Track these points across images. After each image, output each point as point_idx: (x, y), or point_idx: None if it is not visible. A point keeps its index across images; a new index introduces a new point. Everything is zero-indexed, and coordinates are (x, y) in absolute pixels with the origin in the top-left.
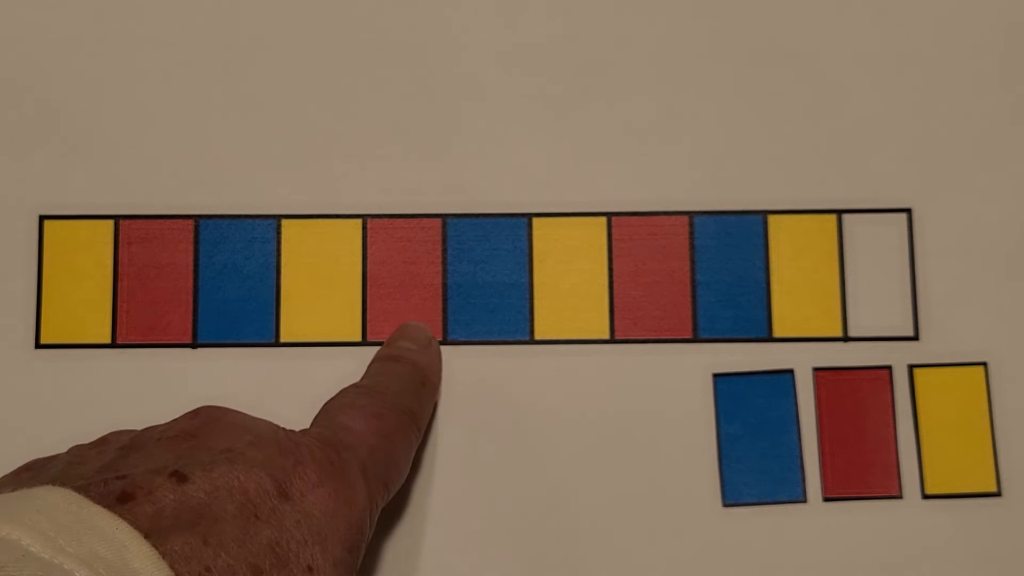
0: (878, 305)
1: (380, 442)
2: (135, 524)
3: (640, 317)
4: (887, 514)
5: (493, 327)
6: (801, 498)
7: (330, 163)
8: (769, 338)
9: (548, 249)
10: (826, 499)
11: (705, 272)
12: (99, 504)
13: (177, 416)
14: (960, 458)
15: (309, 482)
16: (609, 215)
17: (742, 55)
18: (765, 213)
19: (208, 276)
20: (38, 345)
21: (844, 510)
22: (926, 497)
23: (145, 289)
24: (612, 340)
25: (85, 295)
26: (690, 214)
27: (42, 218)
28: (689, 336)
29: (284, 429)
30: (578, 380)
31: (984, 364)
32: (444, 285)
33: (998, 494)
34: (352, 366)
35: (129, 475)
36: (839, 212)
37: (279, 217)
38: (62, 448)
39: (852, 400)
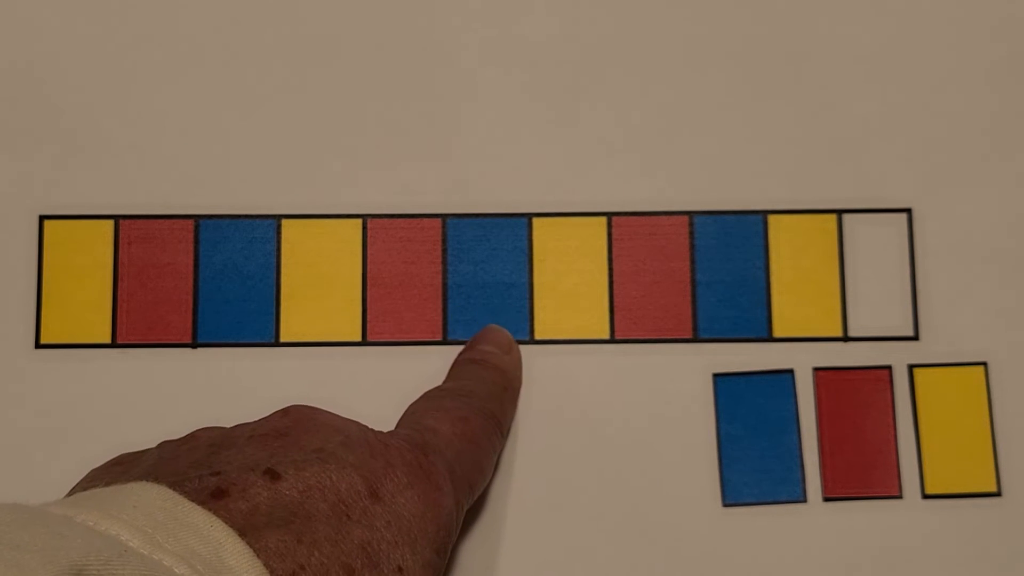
0: (878, 305)
1: (466, 445)
2: (229, 521)
3: (640, 317)
4: (887, 514)
5: None
6: (801, 498)
7: (330, 163)
8: (769, 338)
9: (548, 249)
10: (826, 499)
11: (705, 272)
12: (193, 500)
13: (261, 415)
14: (960, 458)
15: (399, 484)
16: (609, 215)
17: (742, 55)
18: (765, 213)
19: (208, 276)
20: (38, 345)
21: (844, 510)
22: (926, 497)
23: (145, 289)
24: (612, 340)
25: (85, 295)
26: (690, 214)
27: (42, 218)
28: (689, 336)
29: (373, 430)
30: (578, 380)
31: (984, 364)
32: (444, 285)
33: (998, 494)
34: (352, 366)
35: (223, 472)
36: (839, 212)
37: (279, 217)
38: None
39: (852, 400)
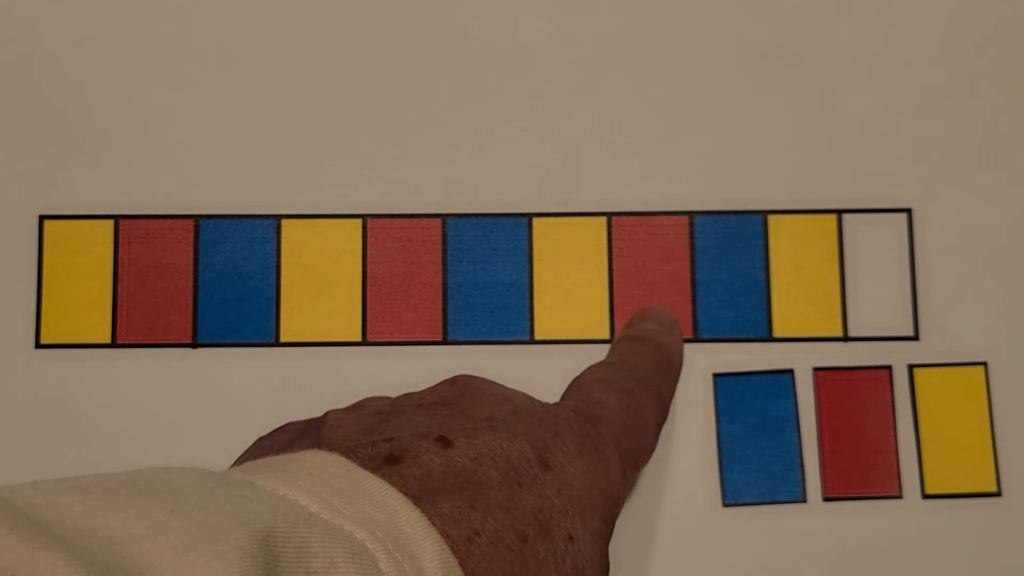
0: (878, 305)
1: (631, 418)
2: (403, 486)
3: None
4: (887, 514)
5: (493, 327)
6: (801, 498)
7: (330, 163)
8: (769, 338)
9: (548, 249)
10: (826, 499)
11: (705, 272)
12: (366, 467)
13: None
14: (960, 458)
15: (568, 453)
16: (609, 215)
17: (742, 55)
18: (765, 213)
19: (208, 276)
20: (38, 345)
21: (844, 510)
22: (926, 497)
23: (145, 289)
24: (612, 340)
25: (85, 295)
26: (690, 214)
27: (42, 218)
28: (689, 336)
29: (540, 401)
30: None
31: (984, 364)
32: (444, 285)
33: (998, 494)
34: (352, 366)
35: (396, 438)
36: (839, 212)
37: (279, 217)
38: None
39: (852, 400)
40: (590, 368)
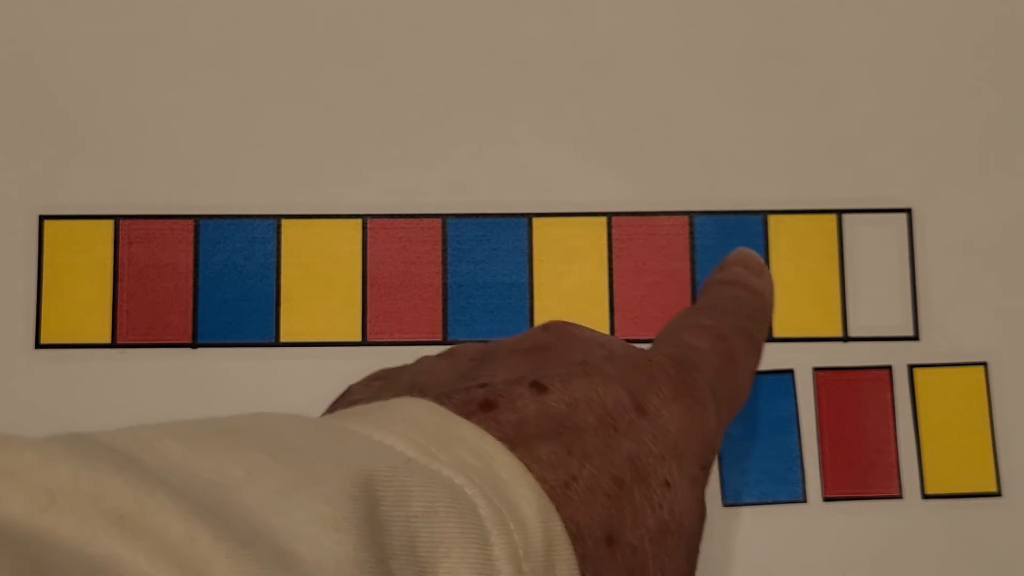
0: (878, 305)
1: (725, 363)
2: (499, 432)
3: (640, 317)
4: (887, 514)
5: (493, 327)
6: (801, 498)
7: (330, 163)
8: (769, 338)
9: (548, 249)
10: (826, 499)
11: (705, 272)
12: (461, 413)
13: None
14: (960, 458)
15: (664, 398)
16: (609, 215)
17: (742, 55)
18: (765, 213)
19: (208, 276)
20: (38, 345)
21: (844, 510)
22: (926, 497)
23: (145, 289)
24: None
25: (85, 295)
26: (690, 214)
27: (42, 218)
28: None
29: (634, 346)
30: None
31: (984, 364)
32: (444, 285)
33: (998, 494)
34: (352, 366)
35: (490, 384)
36: (839, 212)
37: (279, 217)
38: None
39: (852, 400)
40: (681, 313)
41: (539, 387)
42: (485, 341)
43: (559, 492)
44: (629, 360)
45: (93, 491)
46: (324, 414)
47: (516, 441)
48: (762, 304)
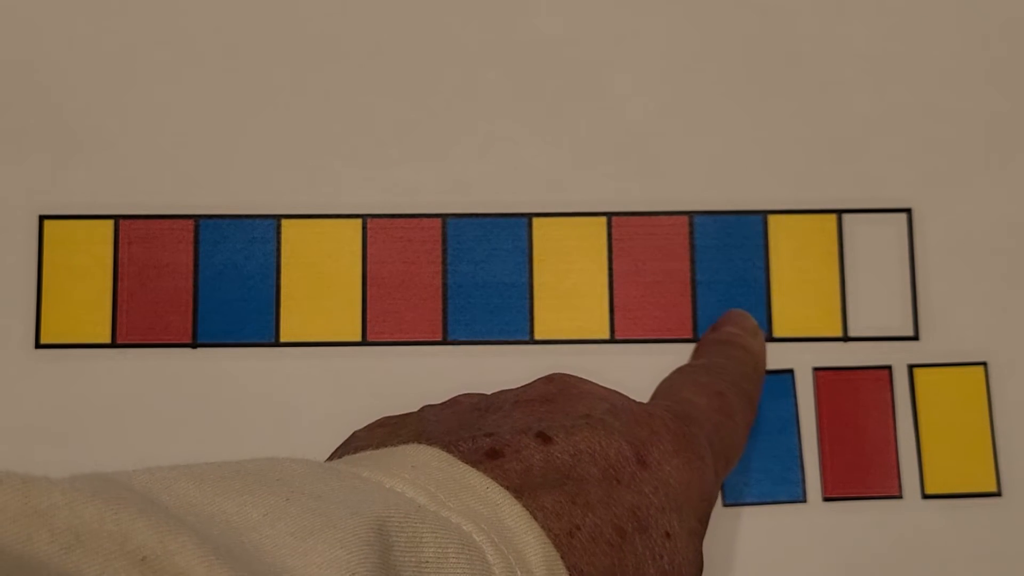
0: (878, 305)
1: (723, 419)
2: (505, 481)
3: (640, 317)
4: (887, 514)
5: (493, 327)
6: (801, 498)
7: (330, 163)
8: (769, 338)
9: (548, 249)
10: (826, 499)
11: (705, 272)
12: (467, 461)
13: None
14: (960, 458)
15: (665, 452)
16: (609, 215)
17: (742, 55)
18: (765, 213)
19: (208, 276)
20: (38, 345)
21: (844, 510)
22: (926, 497)
23: (145, 289)
24: (612, 340)
25: (85, 295)
26: (690, 214)
27: (42, 218)
28: (689, 336)
29: (634, 400)
30: None
31: (984, 364)
32: (444, 285)
33: (998, 494)
34: (352, 366)
35: (496, 433)
36: (839, 212)
37: (279, 217)
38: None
39: (852, 400)
40: (678, 370)
41: (544, 438)
42: (485, 394)
43: (563, 540)
44: (631, 414)
45: (117, 532)
46: (329, 459)
47: (522, 490)
48: (757, 364)
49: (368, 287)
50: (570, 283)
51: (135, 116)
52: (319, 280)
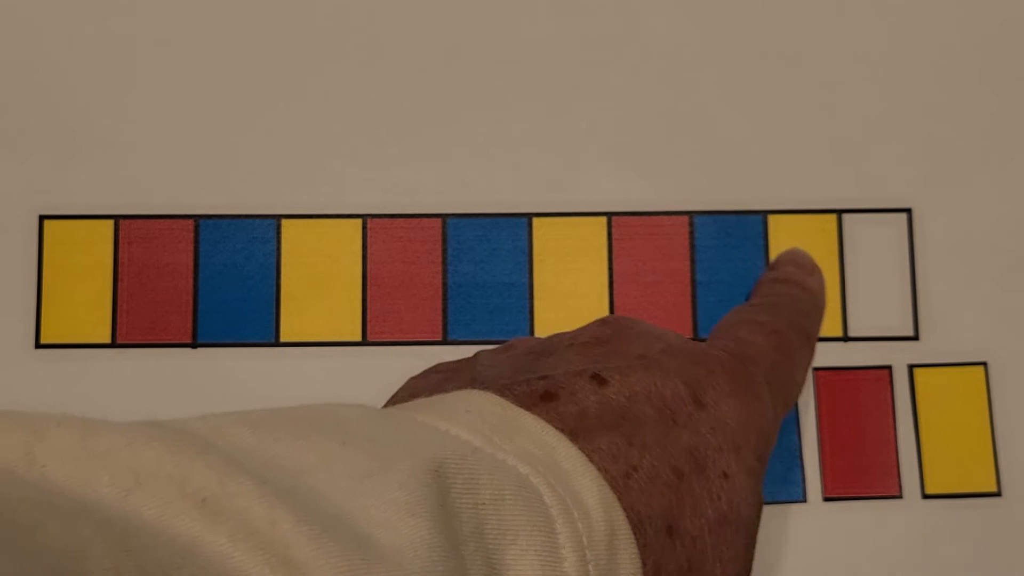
0: (878, 305)
1: (781, 358)
2: (560, 423)
3: (640, 317)
4: (887, 514)
5: (493, 327)
6: (801, 498)
7: (330, 163)
8: None
9: (548, 249)
10: (826, 499)
11: (705, 272)
12: (522, 405)
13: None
14: (960, 458)
15: (721, 391)
16: (609, 215)
17: (742, 55)
18: (765, 213)
19: (208, 276)
20: (38, 345)
21: (844, 510)
22: (926, 497)
23: (145, 289)
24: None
25: (85, 295)
26: (690, 214)
27: (42, 218)
28: (689, 336)
29: (691, 340)
30: None
31: (984, 364)
32: (444, 285)
33: (998, 494)
34: (352, 366)
35: (550, 376)
36: (839, 212)
37: (279, 217)
38: None
39: (852, 400)
40: (735, 310)
41: (599, 379)
42: (541, 338)
43: (620, 482)
44: (687, 354)
45: (177, 474)
46: (385, 406)
47: (577, 432)
48: (815, 301)
49: (368, 287)
50: (570, 283)
51: (135, 116)
52: (319, 280)
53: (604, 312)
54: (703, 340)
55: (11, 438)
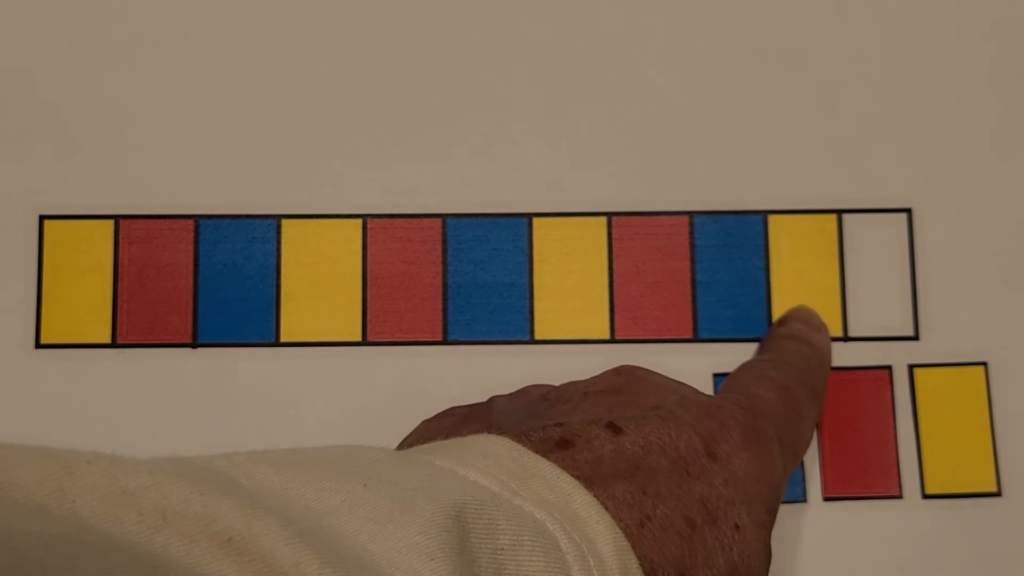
0: (878, 305)
1: (790, 414)
2: (576, 470)
3: (640, 317)
4: (887, 514)
5: (493, 327)
6: (801, 498)
7: (330, 163)
8: None
9: (548, 249)
10: (826, 499)
11: (705, 272)
12: (537, 451)
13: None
14: (960, 458)
15: (734, 445)
16: (609, 215)
17: (742, 55)
18: (765, 213)
19: (208, 276)
20: (38, 345)
21: (844, 510)
22: (926, 497)
23: (145, 289)
24: (612, 340)
25: (85, 295)
26: (690, 214)
27: (42, 218)
28: (689, 336)
29: (704, 393)
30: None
31: (984, 364)
32: (444, 285)
33: (998, 494)
34: (352, 366)
35: (566, 423)
36: (839, 212)
37: (279, 217)
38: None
39: (852, 400)
40: (745, 364)
41: (614, 428)
42: (554, 385)
43: (634, 530)
44: (701, 407)
45: (204, 513)
46: (399, 448)
47: (592, 480)
48: (822, 360)
49: (368, 287)
50: (570, 283)
51: (135, 116)
52: (319, 280)
53: (604, 312)
54: (704, 341)
55: (42, 473)
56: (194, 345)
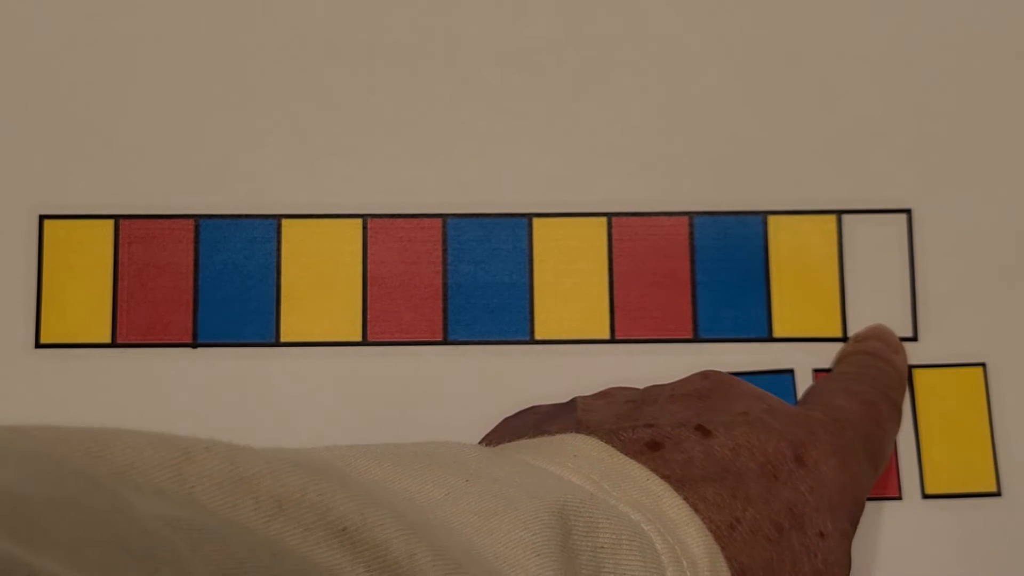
0: (878, 305)
1: (874, 428)
2: (666, 472)
3: (640, 317)
4: (887, 514)
5: (493, 327)
6: None
7: (330, 163)
8: (769, 338)
9: (548, 249)
10: None
11: (705, 272)
12: (627, 452)
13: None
14: (960, 458)
15: (823, 453)
16: (609, 215)
17: (742, 55)
18: (765, 213)
19: (208, 276)
20: (38, 345)
21: None
22: (926, 497)
23: (145, 289)
24: (612, 340)
25: (85, 295)
26: (690, 214)
27: (42, 218)
28: (689, 336)
29: (789, 404)
30: (578, 380)
31: (983, 364)
32: (444, 285)
33: (998, 494)
34: (352, 366)
35: (656, 425)
36: (839, 212)
37: (279, 217)
38: None
39: None
40: (828, 377)
41: (704, 431)
42: (638, 388)
43: (724, 533)
44: (789, 415)
45: (320, 503)
46: (480, 443)
47: (683, 481)
48: (901, 379)
49: (368, 287)
50: (570, 283)
51: (135, 116)
52: (319, 280)
53: (604, 312)
54: (704, 341)
55: (161, 458)
56: (194, 345)
